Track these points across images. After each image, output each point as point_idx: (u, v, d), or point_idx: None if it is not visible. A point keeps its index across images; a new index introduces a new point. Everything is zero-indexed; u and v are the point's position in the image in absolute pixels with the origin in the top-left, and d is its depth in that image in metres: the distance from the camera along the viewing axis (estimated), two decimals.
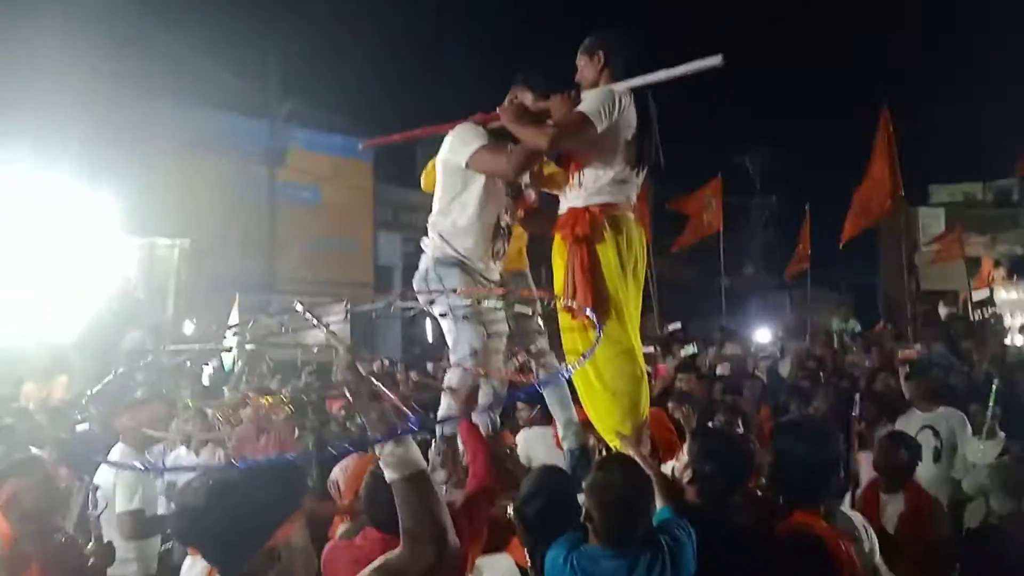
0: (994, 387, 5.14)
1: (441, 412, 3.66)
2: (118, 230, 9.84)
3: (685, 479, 2.89)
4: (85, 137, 10.78)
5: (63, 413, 6.05)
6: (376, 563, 1.87)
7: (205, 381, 9.16)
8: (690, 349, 10.10)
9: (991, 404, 5.06)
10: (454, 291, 3.44)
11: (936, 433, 5.35)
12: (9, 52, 10.55)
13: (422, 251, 3.72)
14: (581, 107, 3.33)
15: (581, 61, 3.58)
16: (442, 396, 3.68)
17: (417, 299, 3.65)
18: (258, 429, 5.65)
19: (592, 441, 3.67)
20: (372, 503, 2.83)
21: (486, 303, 3.55)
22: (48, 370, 7.01)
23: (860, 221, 11.72)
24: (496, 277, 3.78)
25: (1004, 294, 16.75)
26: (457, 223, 3.58)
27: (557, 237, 3.52)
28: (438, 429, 3.62)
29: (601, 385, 3.36)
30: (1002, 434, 5.12)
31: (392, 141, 4.19)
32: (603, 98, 3.34)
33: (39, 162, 9.04)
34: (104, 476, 4.23)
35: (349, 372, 1.99)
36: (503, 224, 3.75)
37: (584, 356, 3.09)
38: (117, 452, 4.57)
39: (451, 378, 3.50)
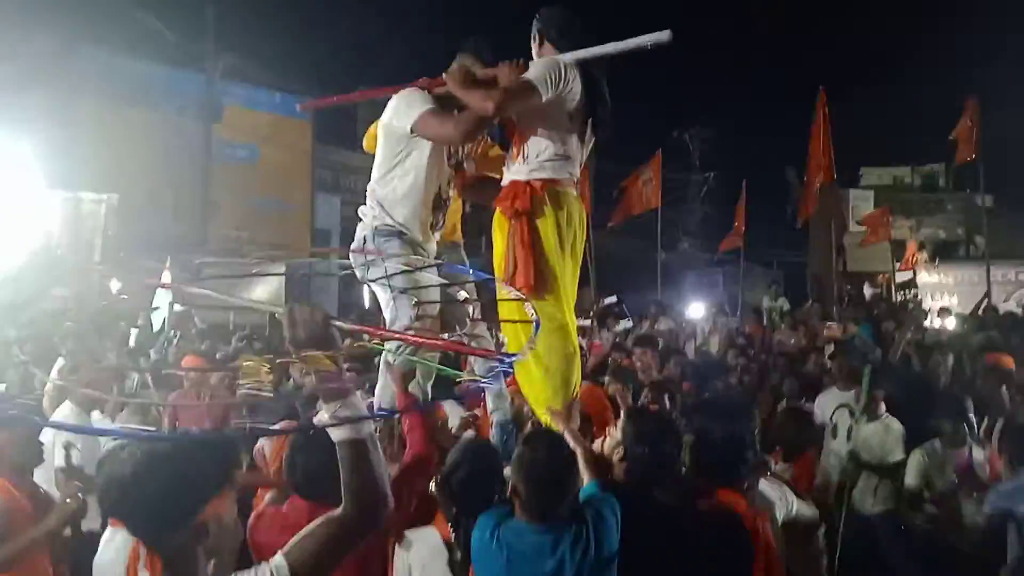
0: (866, 372, 5.36)
1: (379, 386, 3.64)
2: (41, 183, 9.44)
3: (616, 457, 2.94)
4: (6, 85, 10.28)
5: None
6: (318, 522, 1.82)
7: (131, 342, 8.93)
8: (625, 324, 10.24)
9: (865, 388, 5.26)
10: (411, 268, 3.36)
11: (852, 412, 5.56)
12: None
13: (359, 218, 3.65)
14: (527, 75, 3.31)
15: (533, 34, 3.57)
16: (380, 369, 3.66)
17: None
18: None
19: (524, 411, 3.70)
20: (296, 471, 2.81)
21: (422, 276, 3.51)
22: None
23: (812, 201, 11.93)
24: (433, 248, 3.75)
25: (926, 277, 17.43)
26: (398, 191, 3.52)
27: (497, 210, 3.50)
28: (375, 402, 3.60)
29: (534, 360, 3.38)
30: (886, 416, 5.34)
31: (330, 103, 4.08)
32: (548, 66, 3.32)
33: None
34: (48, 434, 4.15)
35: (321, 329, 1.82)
36: (444, 196, 3.71)
37: (526, 349, 3.01)
38: (65, 410, 4.64)
39: (387, 352, 3.47)
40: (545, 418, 3.38)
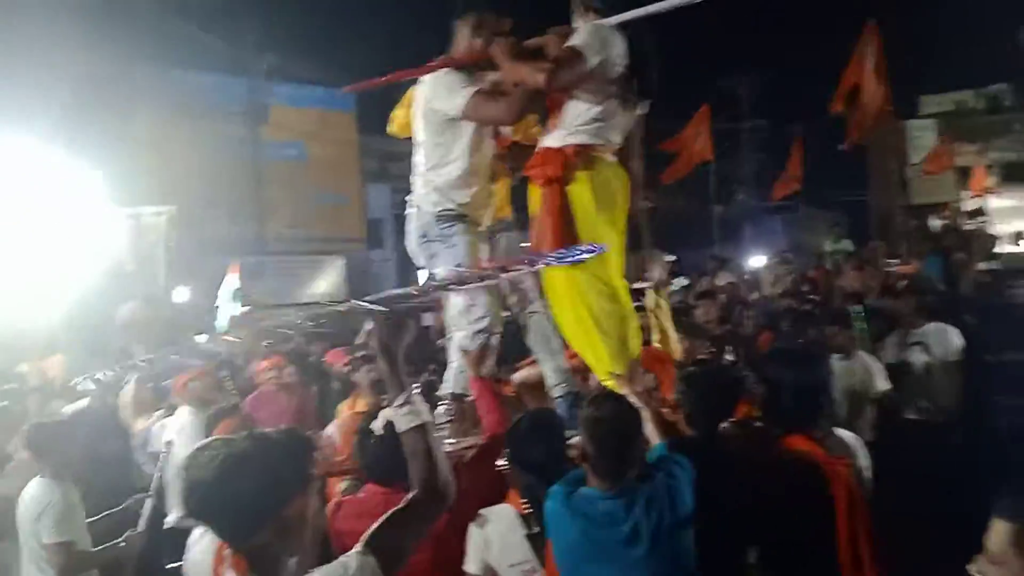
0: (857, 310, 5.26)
1: (452, 370, 3.67)
2: (103, 201, 9.72)
3: (673, 411, 2.93)
4: (64, 105, 10.61)
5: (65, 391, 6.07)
6: (394, 509, 1.94)
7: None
8: (681, 281, 10.08)
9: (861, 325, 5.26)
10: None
11: (927, 348, 5.43)
12: None
13: (414, 207, 3.62)
14: (571, 42, 3.26)
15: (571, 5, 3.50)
16: (451, 354, 3.69)
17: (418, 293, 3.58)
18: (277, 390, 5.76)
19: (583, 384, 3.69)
20: (369, 457, 2.87)
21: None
22: (42, 349, 6.98)
23: (863, 126, 11.45)
24: (484, 224, 3.74)
25: (997, 202, 16.74)
26: (453, 175, 3.50)
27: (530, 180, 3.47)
28: (448, 388, 3.64)
29: (592, 323, 3.35)
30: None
31: (374, 85, 4.10)
32: (591, 32, 3.28)
33: (15, 132, 8.88)
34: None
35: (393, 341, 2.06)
36: (494, 169, 3.70)
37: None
38: (184, 414, 4.83)
39: (463, 339, 3.50)
40: (609, 382, 3.36)
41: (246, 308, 10.39)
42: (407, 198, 3.71)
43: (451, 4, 3.77)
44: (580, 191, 3.33)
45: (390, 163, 18.84)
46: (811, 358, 3.13)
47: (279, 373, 5.89)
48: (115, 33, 13.18)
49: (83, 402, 5.64)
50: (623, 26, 3.34)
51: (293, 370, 6.03)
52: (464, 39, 3.57)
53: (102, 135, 11.34)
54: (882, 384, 5.20)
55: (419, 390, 2.14)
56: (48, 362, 6.77)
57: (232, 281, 11.60)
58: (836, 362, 5.15)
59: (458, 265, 3.40)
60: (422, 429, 1.99)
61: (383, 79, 3.89)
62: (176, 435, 4.63)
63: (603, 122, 3.38)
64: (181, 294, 11.38)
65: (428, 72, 3.58)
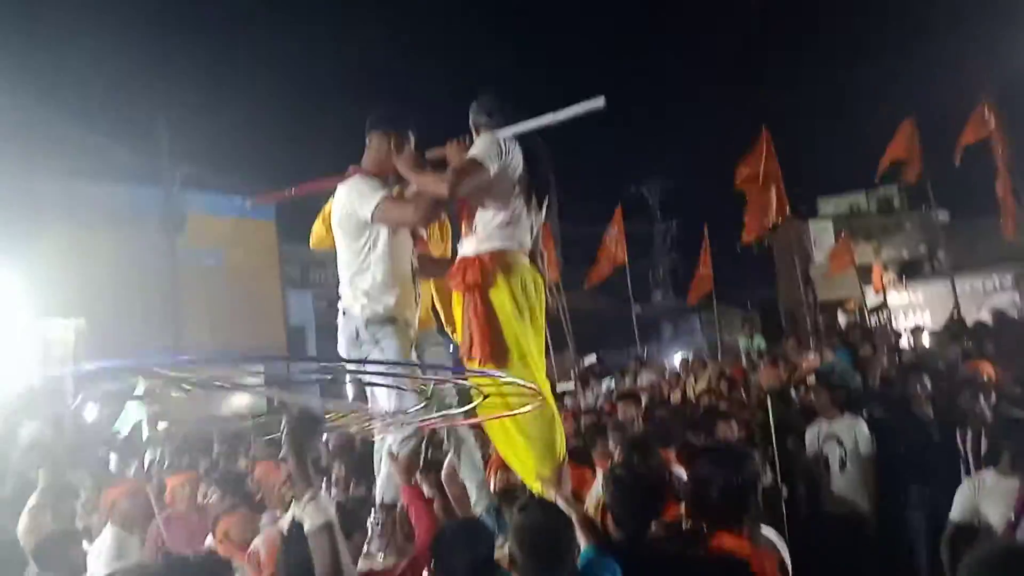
0: None
1: (381, 479, 3.61)
2: (9, 314, 9.38)
3: (599, 512, 2.94)
4: None
5: None
6: None
7: (112, 466, 8.76)
8: (608, 382, 10.23)
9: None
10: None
11: (840, 442, 5.61)
12: None
13: (342, 312, 3.63)
14: (470, 152, 3.40)
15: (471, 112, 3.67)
16: (382, 463, 3.64)
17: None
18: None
19: (513, 488, 3.69)
20: (290, 563, 2.77)
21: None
22: None
23: (757, 226, 12.01)
24: (416, 324, 3.77)
25: (896, 297, 17.67)
26: (377, 278, 3.54)
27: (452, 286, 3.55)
28: (378, 497, 3.58)
29: (516, 430, 3.38)
30: None
31: (283, 197, 4.13)
32: (489, 142, 3.42)
33: None
34: None
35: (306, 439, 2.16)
36: (415, 269, 3.76)
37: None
38: (108, 537, 4.74)
39: (392, 444, 3.46)
40: (536, 486, 3.36)
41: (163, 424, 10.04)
42: (339, 304, 3.71)
43: (364, 116, 3.88)
44: (500, 295, 3.42)
45: (311, 269, 18.80)
46: (738, 455, 3.21)
47: (192, 492, 5.65)
48: (19, 145, 13.03)
49: None
50: (520, 135, 3.52)
51: (212, 490, 5.76)
52: (372, 151, 3.71)
53: (10, 246, 11.03)
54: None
55: (324, 488, 2.15)
56: None
57: (138, 388, 11.21)
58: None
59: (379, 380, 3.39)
60: (328, 528, 2.04)
61: (293, 191, 3.95)
62: (94, 559, 4.41)
63: (512, 226, 3.51)
64: (89, 411, 10.89)
65: (335, 183, 3.66)
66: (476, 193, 3.47)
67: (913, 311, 17.25)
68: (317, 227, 3.91)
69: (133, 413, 10.86)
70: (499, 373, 3.15)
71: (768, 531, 3.17)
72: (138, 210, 16.04)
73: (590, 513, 3.14)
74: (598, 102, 3.34)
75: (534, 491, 3.37)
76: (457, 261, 3.53)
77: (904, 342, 11.50)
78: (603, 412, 7.24)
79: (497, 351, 3.35)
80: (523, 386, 3.00)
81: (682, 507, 3.20)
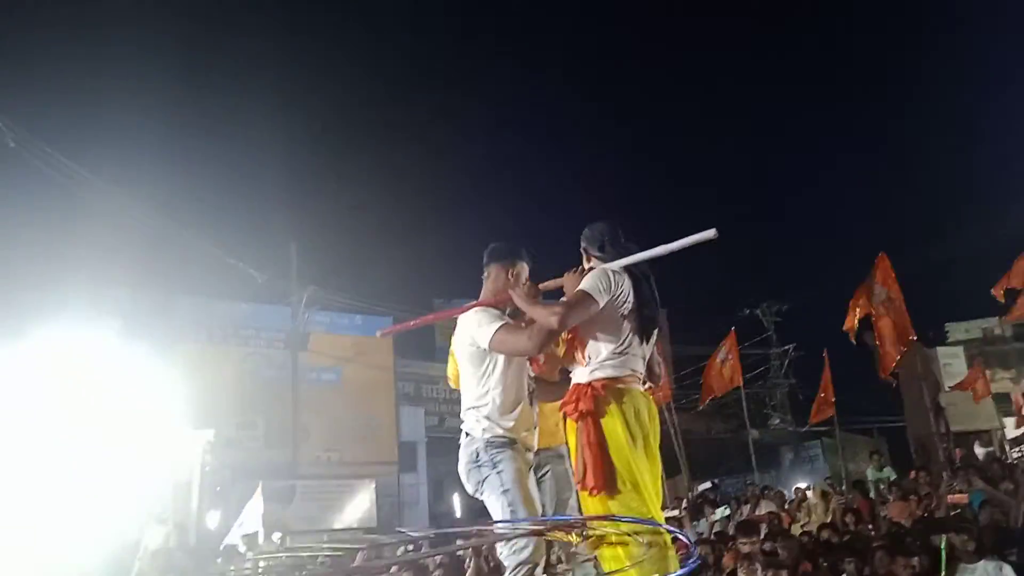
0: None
1: None
2: (144, 420, 9.98)
3: None
4: (111, 334, 11.16)
5: None
6: None
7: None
8: (723, 511, 9.85)
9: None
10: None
11: None
12: (41, 259, 11.17)
13: (465, 433, 3.74)
14: (582, 285, 3.53)
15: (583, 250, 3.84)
16: None
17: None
18: None
19: None
20: None
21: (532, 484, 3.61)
22: None
23: (891, 356, 11.58)
24: (535, 447, 3.84)
25: None
26: (497, 402, 3.66)
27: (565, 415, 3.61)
28: None
29: (627, 557, 3.33)
30: None
31: (406, 327, 4.34)
32: (599, 276, 3.56)
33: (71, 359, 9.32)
34: None
35: None
36: (531, 391, 3.87)
37: None
38: None
39: (509, 565, 3.49)
40: None
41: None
42: (463, 427, 3.83)
43: (469, 246, 4.11)
44: (612, 423, 3.45)
45: (424, 385, 19.19)
46: None
47: None
48: (158, 265, 14.22)
49: None
50: (629, 267, 3.63)
51: None
52: (491, 281, 3.91)
53: (145, 362, 11.84)
54: None
55: None
56: None
57: (257, 504, 11.56)
58: None
59: (505, 490, 3.48)
60: None
61: (413, 323, 4.17)
62: None
63: (624, 355, 3.58)
64: (212, 519, 11.30)
65: (455, 313, 3.86)
66: (585, 324, 3.57)
67: None
68: (451, 367, 4.10)
69: (250, 522, 11.22)
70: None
71: None
72: (265, 328, 16.97)
73: None
74: (709, 234, 3.42)
75: None
76: (571, 389, 3.60)
77: None
78: (715, 542, 6.94)
79: (610, 480, 3.35)
80: (640, 522, 2.97)
81: None
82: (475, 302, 3.85)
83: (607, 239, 3.74)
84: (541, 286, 3.88)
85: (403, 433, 18.64)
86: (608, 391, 3.49)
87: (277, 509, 12.44)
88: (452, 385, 4.10)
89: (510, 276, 3.83)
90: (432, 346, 18.37)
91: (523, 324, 3.69)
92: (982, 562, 5.37)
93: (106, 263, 12.13)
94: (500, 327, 3.60)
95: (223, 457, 12.07)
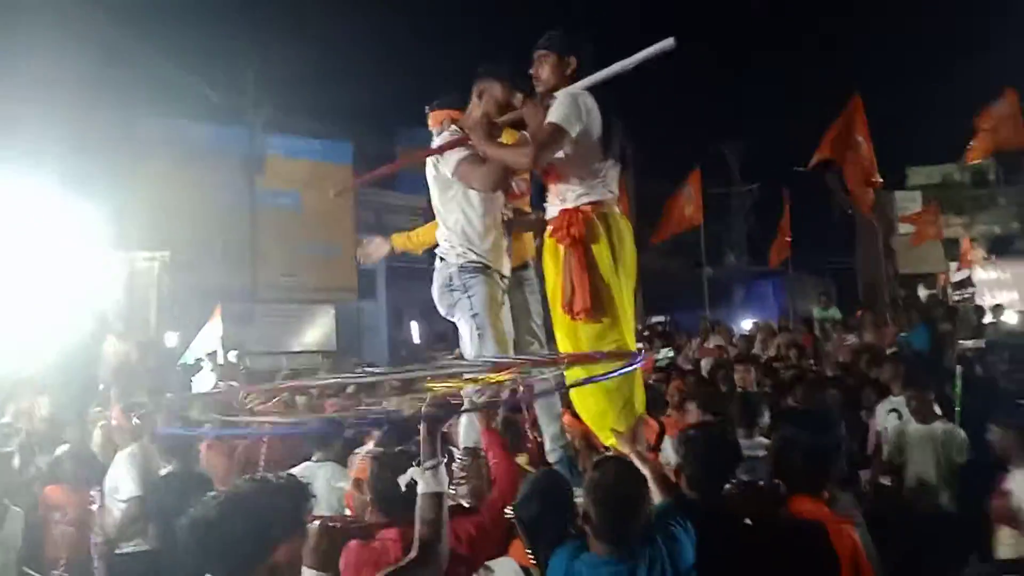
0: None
1: (463, 424, 3.70)
2: (99, 244, 9.77)
3: (672, 473, 2.92)
4: (67, 151, 10.71)
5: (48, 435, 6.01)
6: (398, 565, 2.16)
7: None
8: (667, 352, 10.14)
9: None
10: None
11: (900, 416, 5.50)
12: None
13: (439, 258, 3.75)
14: (551, 117, 3.34)
15: (547, 58, 3.56)
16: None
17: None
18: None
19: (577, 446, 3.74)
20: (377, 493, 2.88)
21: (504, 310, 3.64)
22: (30, 391, 6.91)
23: (866, 195, 11.57)
24: (508, 273, 3.83)
25: (983, 274, 16.99)
26: (469, 226, 3.64)
27: (549, 240, 3.54)
28: (460, 441, 3.68)
29: (594, 384, 3.37)
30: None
31: (371, 178, 4.20)
32: (570, 104, 3.38)
33: (20, 176, 8.96)
34: None
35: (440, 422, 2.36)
36: (507, 221, 3.81)
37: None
38: None
39: (473, 391, 3.52)
40: (610, 440, 3.35)
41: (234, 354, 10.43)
42: (436, 251, 3.80)
43: (441, 60, 3.89)
44: (600, 248, 3.43)
45: (384, 214, 18.98)
46: (824, 420, 3.15)
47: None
48: (116, 81, 13.46)
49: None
50: (593, 87, 3.47)
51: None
52: (472, 104, 3.75)
53: (101, 180, 11.44)
54: (959, 456, 5.13)
55: (445, 462, 2.33)
56: (35, 403, 6.69)
57: (216, 324, 11.62)
58: (913, 426, 5.28)
59: (475, 314, 3.53)
60: (439, 497, 2.21)
61: (384, 169, 4.04)
62: None
63: (604, 177, 3.52)
64: (171, 339, 11.34)
65: (431, 154, 3.70)
66: (565, 154, 3.46)
67: (1000, 289, 16.57)
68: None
69: (209, 342, 11.31)
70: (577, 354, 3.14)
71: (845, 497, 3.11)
72: (221, 150, 16.38)
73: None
74: (667, 43, 3.22)
75: (609, 446, 3.38)
76: (559, 214, 3.51)
77: (987, 320, 11.09)
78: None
79: (596, 305, 3.38)
80: (619, 354, 3.00)
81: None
82: (437, 147, 3.69)
83: (592, 54, 3.54)
84: (505, 119, 3.72)
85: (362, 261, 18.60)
86: (596, 215, 3.44)
87: (236, 331, 12.49)
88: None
89: (490, 97, 3.69)
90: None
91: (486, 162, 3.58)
92: (909, 392, 5.63)
93: (61, 71, 11.42)
94: (464, 157, 3.54)
95: (181, 279, 11.96)
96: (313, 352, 15.42)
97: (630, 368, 2.78)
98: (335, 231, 18.00)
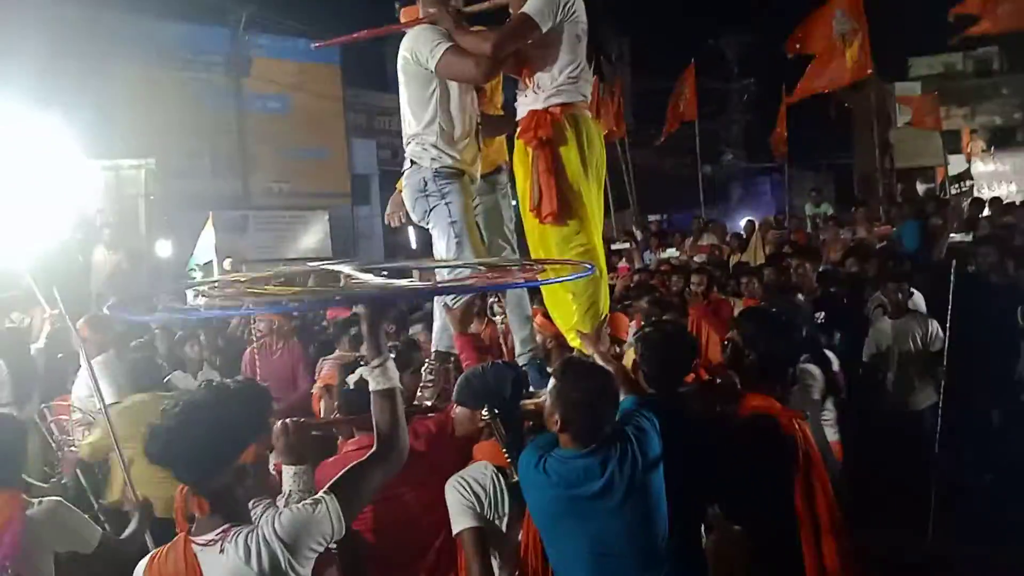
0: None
1: (436, 328, 3.72)
2: (80, 153, 9.64)
3: (632, 368, 2.98)
4: (38, 58, 10.42)
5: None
6: (355, 463, 2.18)
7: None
8: (672, 252, 10.19)
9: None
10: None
11: (885, 309, 5.58)
12: None
13: (410, 161, 3.61)
14: (525, 8, 3.26)
15: None
16: (436, 313, 3.75)
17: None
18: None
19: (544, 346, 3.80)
20: (344, 402, 2.93)
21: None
22: (23, 300, 6.97)
23: (814, 84, 11.25)
24: (479, 177, 3.77)
25: (981, 166, 16.75)
26: (447, 129, 3.51)
27: (519, 142, 3.49)
28: (433, 344, 3.71)
29: (561, 286, 3.40)
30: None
31: (349, 40, 4.07)
32: None
33: None
34: None
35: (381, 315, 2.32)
36: (479, 123, 3.72)
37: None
38: None
39: (447, 297, 3.54)
40: (575, 341, 3.40)
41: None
42: (406, 152, 3.70)
43: None
44: (569, 152, 3.38)
45: (376, 117, 18.69)
46: (786, 324, 3.20)
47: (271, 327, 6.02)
48: None
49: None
50: None
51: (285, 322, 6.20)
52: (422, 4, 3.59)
53: (79, 85, 11.20)
54: (935, 345, 5.22)
55: (394, 356, 2.30)
56: (31, 312, 6.76)
57: (208, 233, 11.61)
58: (886, 321, 5.41)
59: (453, 222, 3.46)
60: (391, 393, 2.20)
61: (357, 35, 3.87)
62: None
63: (577, 80, 3.43)
64: (163, 248, 11.35)
65: (402, 28, 3.58)
66: (534, 47, 3.38)
67: (1000, 182, 16.38)
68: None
69: (204, 252, 11.32)
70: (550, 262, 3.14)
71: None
72: (204, 51, 15.99)
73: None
74: None
75: (573, 347, 3.43)
76: (527, 115, 3.45)
77: (984, 213, 11.02)
78: (654, 273, 7.20)
79: (563, 208, 3.36)
80: (575, 263, 2.98)
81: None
82: (422, 17, 3.53)
83: None
84: (481, 7, 3.60)
85: (355, 166, 18.43)
86: (566, 117, 3.38)
87: (230, 239, 12.48)
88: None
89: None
90: (384, 76, 17.59)
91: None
92: (890, 286, 5.68)
93: None
94: (448, 48, 3.35)
95: (171, 187, 11.88)
96: (309, 259, 15.46)
97: (587, 274, 2.76)
98: (326, 135, 17.80)
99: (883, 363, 5.44)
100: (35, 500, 2.98)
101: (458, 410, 2.85)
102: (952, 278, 4.74)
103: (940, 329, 5.15)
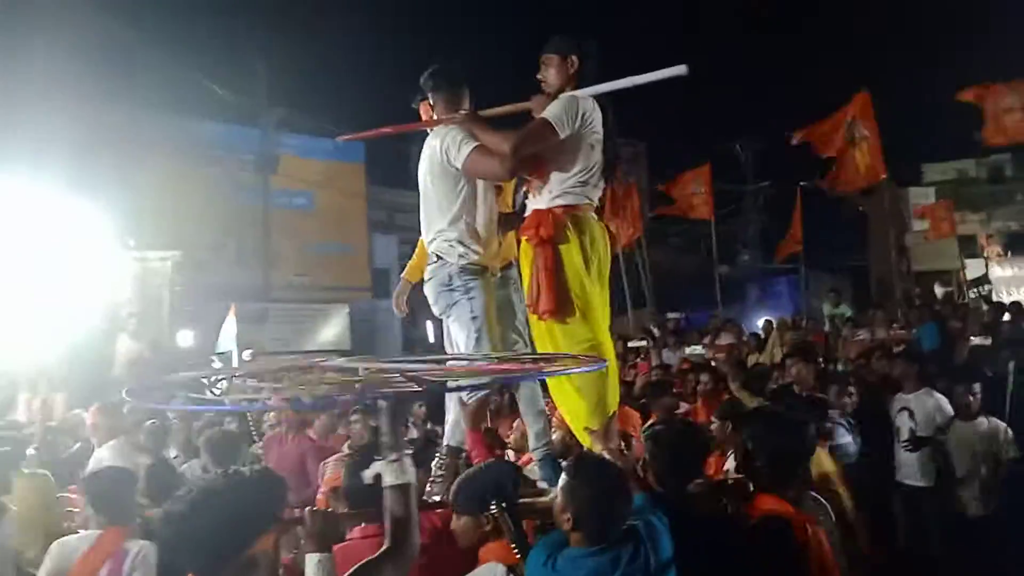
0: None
1: (450, 423, 3.73)
2: (111, 244, 9.92)
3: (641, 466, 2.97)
4: (75, 150, 10.83)
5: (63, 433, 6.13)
6: (371, 559, 2.13)
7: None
8: (696, 350, 10.19)
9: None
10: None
11: (912, 414, 5.46)
12: None
13: (435, 256, 3.67)
14: (545, 113, 3.41)
15: (551, 61, 3.62)
16: (450, 408, 3.76)
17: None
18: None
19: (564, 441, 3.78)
20: (353, 492, 2.92)
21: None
22: (45, 387, 7.06)
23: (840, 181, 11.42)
24: (498, 273, 3.85)
25: (999, 271, 16.75)
26: (473, 225, 3.60)
27: (523, 240, 3.58)
28: (445, 439, 3.71)
29: (568, 382, 3.43)
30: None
31: (369, 136, 4.22)
32: (566, 106, 3.44)
33: (28, 175, 9.09)
34: None
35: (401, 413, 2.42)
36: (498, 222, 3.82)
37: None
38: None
39: (463, 392, 3.55)
40: (584, 438, 3.41)
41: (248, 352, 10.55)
42: (431, 248, 3.76)
43: (453, 58, 3.90)
44: (569, 250, 3.47)
45: (397, 214, 19.08)
46: (797, 424, 3.19)
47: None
48: (124, 80, 13.61)
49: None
50: (600, 97, 3.52)
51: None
52: (438, 109, 3.76)
53: (113, 179, 11.57)
54: (1010, 450, 5.11)
55: (411, 452, 2.29)
56: (51, 400, 6.84)
57: (230, 324, 11.78)
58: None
59: (474, 317, 3.51)
60: (407, 488, 2.19)
61: (381, 130, 4.04)
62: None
63: (586, 185, 3.55)
64: (184, 338, 11.50)
65: (425, 125, 3.73)
66: (549, 151, 3.50)
67: (1017, 287, 16.34)
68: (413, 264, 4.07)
69: (226, 341, 11.46)
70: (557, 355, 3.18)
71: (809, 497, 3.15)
72: (234, 149, 16.55)
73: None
74: (680, 69, 3.30)
75: (584, 445, 3.44)
76: (531, 214, 3.57)
77: (1003, 318, 10.96)
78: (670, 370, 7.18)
79: (562, 305, 3.42)
80: (585, 358, 3.03)
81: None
82: (446, 117, 3.69)
83: (597, 59, 3.59)
84: (505, 109, 3.75)
85: (376, 260, 18.73)
86: (567, 217, 3.48)
87: (251, 330, 12.65)
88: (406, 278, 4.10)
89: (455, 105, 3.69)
90: (405, 173, 18.01)
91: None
92: (921, 391, 5.62)
93: (68, 70, 11.57)
94: (475, 148, 3.46)
95: (194, 279, 12.12)
96: (328, 351, 15.52)
97: (598, 367, 2.80)
98: (348, 231, 18.18)
99: (976, 467, 5.25)
100: None
101: (461, 520, 2.83)
102: (1011, 376, 4.68)
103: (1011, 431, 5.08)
